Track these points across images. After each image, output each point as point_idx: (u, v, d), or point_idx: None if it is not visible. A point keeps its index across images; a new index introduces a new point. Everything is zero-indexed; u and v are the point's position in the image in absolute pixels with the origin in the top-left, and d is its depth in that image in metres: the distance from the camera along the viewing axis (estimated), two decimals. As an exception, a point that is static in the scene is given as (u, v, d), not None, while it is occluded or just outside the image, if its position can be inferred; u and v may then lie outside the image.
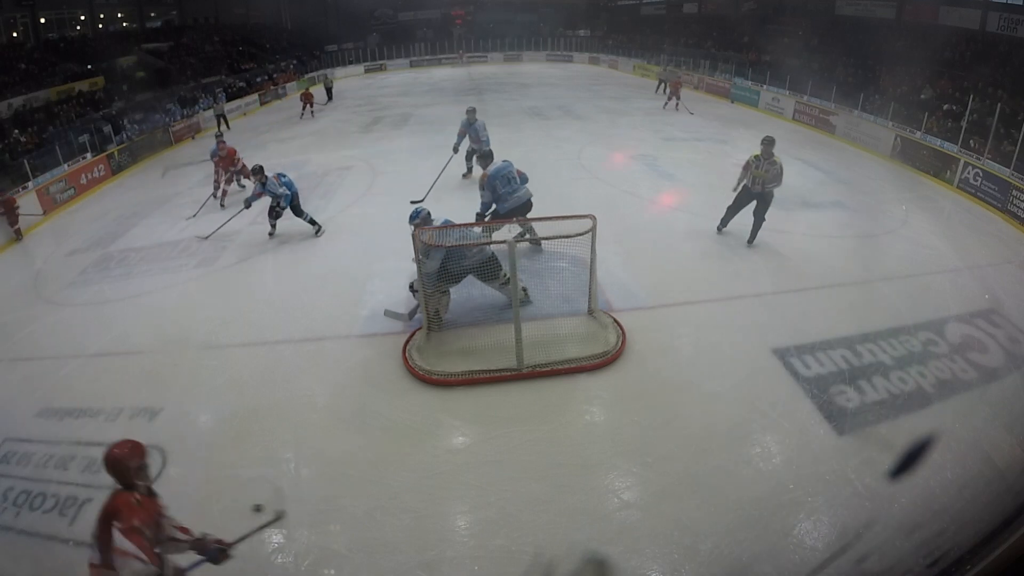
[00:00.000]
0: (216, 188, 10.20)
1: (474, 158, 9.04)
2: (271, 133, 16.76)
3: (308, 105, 18.94)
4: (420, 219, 5.38)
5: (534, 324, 5.33)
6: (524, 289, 5.73)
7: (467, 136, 9.42)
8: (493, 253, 5.43)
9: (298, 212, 8.25)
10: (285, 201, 8.05)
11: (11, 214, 9.65)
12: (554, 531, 3.49)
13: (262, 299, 6.58)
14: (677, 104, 16.95)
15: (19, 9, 20.88)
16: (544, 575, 3.26)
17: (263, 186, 7.85)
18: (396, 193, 9.97)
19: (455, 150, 9.62)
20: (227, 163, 10.22)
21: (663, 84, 20.58)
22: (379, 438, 4.31)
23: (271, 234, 8.32)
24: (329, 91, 22.34)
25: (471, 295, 5.89)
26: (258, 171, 7.95)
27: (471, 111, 9.44)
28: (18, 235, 9.75)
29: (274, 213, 8.19)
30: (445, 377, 4.82)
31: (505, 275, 5.35)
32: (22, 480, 4.17)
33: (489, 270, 5.38)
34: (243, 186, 10.63)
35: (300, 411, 4.65)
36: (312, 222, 8.28)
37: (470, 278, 5.49)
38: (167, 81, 21.55)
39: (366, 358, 5.26)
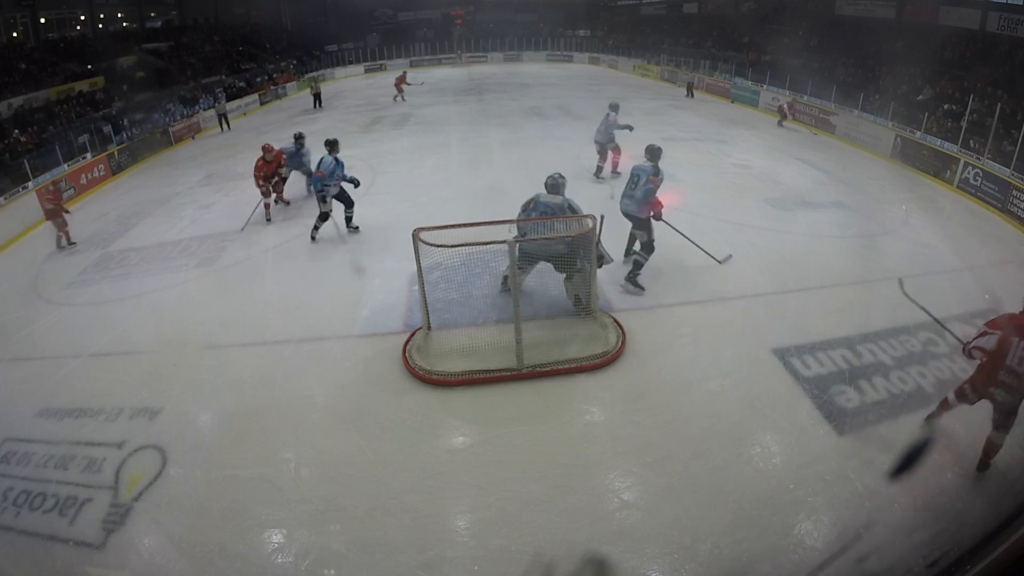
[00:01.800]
0: (267, 197, 8.84)
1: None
2: (272, 133, 16.68)
3: (400, 90, 20.20)
4: (556, 184, 5.52)
5: (534, 324, 5.34)
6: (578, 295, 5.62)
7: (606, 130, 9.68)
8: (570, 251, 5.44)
9: (349, 202, 7.86)
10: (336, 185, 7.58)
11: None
12: (554, 531, 3.49)
13: (262, 299, 6.58)
14: (781, 122, 15.55)
15: (19, 9, 20.88)
16: (544, 575, 3.26)
17: (338, 164, 7.41)
18: (396, 193, 9.98)
19: (630, 129, 9.89)
20: (271, 168, 8.79)
21: (691, 87, 20.73)
22: (379, 438, 4.31)
23: (351, 227, 8.09)
24: (317, 97, 20.57)
25: (471, 295, 5.89)
26: (333, 144, 7.52)
27: (616, 106, 9.79)
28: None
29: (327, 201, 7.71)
30: (445, 377, 4.81)
31: (575, 272, 5.45)
32: (22, 480, 4.16)
33: (564, 264, 5.45)
34: (288, 201, 9.54)
35: (300, 411, 4.65)
36: (349, 220, 8.02)
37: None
38: (167, 81, 21.53)
39: (366, 358, 5.26)
